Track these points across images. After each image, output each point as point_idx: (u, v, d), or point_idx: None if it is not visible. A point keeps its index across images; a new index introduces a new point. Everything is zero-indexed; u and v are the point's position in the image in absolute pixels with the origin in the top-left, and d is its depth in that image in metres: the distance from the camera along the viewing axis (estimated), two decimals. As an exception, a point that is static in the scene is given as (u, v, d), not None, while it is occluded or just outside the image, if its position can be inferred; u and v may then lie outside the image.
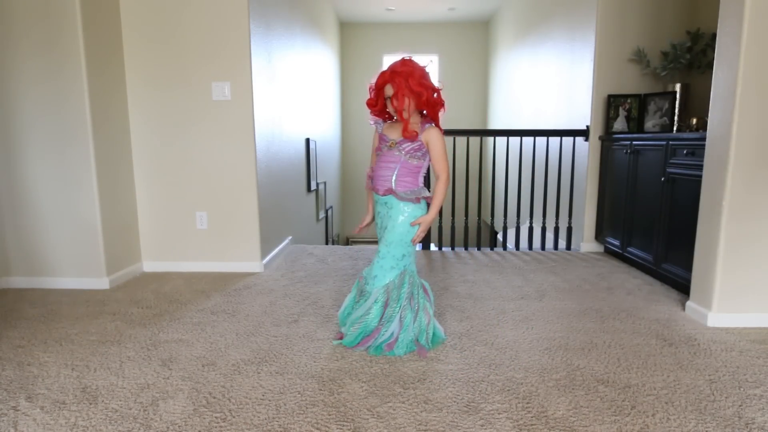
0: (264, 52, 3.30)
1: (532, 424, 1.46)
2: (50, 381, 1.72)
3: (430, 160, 1.94)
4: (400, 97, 1.83)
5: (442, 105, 1.92)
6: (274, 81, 3.57)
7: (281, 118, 3.81)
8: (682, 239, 2.62)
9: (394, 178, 1.90)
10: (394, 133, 1.94)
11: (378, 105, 1.94)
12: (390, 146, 1.91)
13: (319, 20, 5.92)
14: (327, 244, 6.38)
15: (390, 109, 1.91)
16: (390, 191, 1.91)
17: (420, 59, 1.91)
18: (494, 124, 7.42)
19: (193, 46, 2.95)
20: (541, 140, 3.94)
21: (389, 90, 1.86)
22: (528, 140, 4.38)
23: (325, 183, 6.14)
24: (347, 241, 8.22)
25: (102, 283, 2.78)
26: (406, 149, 1.89)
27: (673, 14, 3.48)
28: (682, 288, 2.67)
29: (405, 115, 1.87)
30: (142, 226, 3.13)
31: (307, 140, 4.93)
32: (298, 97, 4.53)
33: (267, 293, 2.71)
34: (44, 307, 2.48)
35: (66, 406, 1.56)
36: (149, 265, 3.17)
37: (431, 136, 1.90)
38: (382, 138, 1.96)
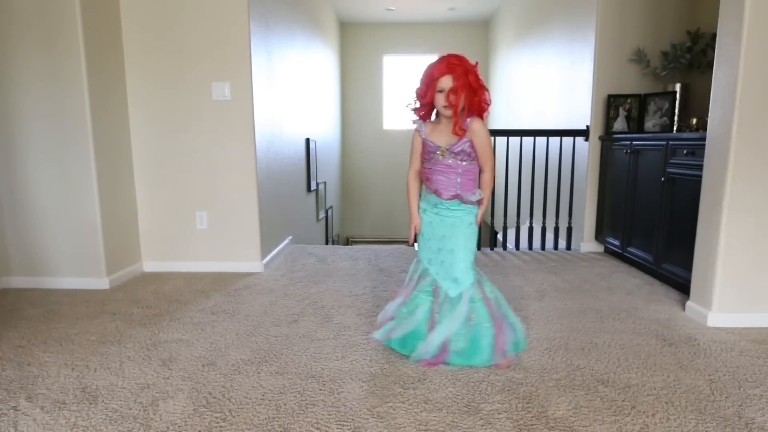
0: (264, 52, 3.30)
1: (532, 424, 1.46)
2: (50, 381, 1.72)
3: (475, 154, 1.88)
4: (459, 92, 1.76)
5: (488, 106, 1.87)
6: (274, 81, 3.57)
7: (281, 118, 3.81)
8: (682, 239, 2.62)
9: (458, 182, 1.87)
10: (440, 139, 1.86)
11: (427, 96, 1.84)
12: (441, 154, 1.85)
13: (319, 20, 5.92)
14: (327, 244, 6.38)
15: (440, 103, 1.81)
16: (456, 196, 1.87)
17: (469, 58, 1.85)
18: (494, 124, 7.41)
19: (193, 47, 2.95)
20: (541, 140, 3.94)
21: (446, 82, 1.76)
22: (528, 140, 4.38)
23: (325, 183, 6.14)
24: (347, 241, 8.21)
25: (102, 283, 2.78)
26: (457, 151, 1.83)
27: (673, 14, 3.48)
28: (682, 288, 2.66)
29: (460, 113, 1.80)
30: (142, 226, 3.13)
31: (307, 140, 4.93)
32: (298, 97, 4.53)
33: (267, 293, 2.71)
34: (44, 307, 2.48)
35: (66, 406, 1.56)
36: (149, 265, 3.17)
37: (475, 127, 1.82)
38: (426, 144, 1.88)
